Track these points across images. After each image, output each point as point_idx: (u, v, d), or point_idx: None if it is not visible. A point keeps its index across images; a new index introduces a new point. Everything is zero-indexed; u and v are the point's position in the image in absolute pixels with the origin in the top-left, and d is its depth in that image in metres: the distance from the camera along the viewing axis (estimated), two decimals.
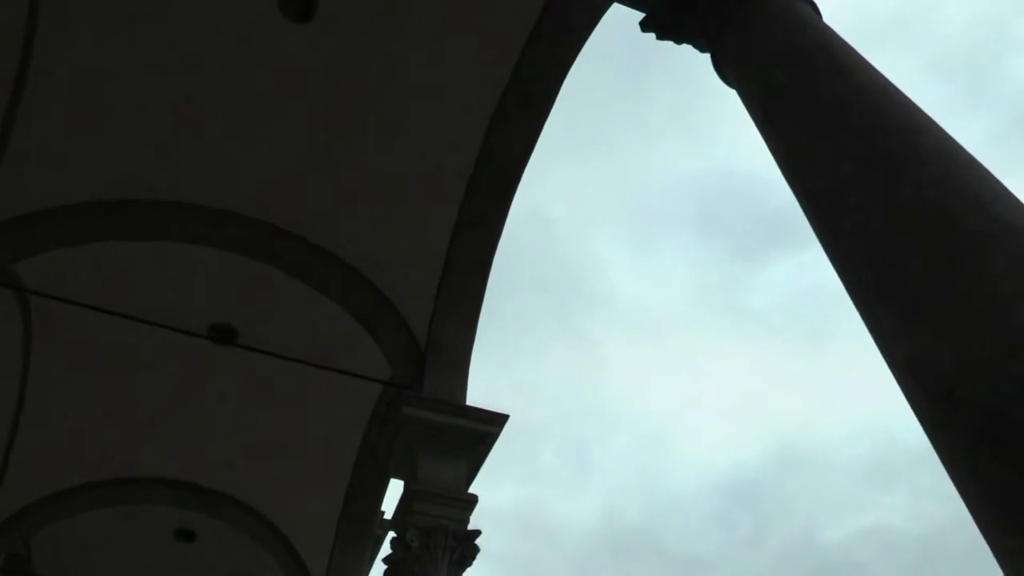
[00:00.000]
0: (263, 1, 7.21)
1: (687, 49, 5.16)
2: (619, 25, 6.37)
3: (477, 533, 7.44)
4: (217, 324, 9.52)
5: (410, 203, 8.49)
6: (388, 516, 10.28)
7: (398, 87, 7.81)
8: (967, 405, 2.59)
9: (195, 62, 7.56)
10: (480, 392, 8.89)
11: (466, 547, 7.39)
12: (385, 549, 7.70)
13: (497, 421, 7.86)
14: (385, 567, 7.67)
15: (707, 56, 4.85)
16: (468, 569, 7.46)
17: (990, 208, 2.90)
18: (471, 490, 7.72)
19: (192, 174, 8.30)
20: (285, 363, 9.04)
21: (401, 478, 7.86)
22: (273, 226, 8.67)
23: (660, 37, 5.21)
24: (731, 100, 4.72)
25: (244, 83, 7.72)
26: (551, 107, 7.80)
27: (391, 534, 7.67)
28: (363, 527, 11.31)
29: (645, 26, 5.31)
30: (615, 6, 6.14)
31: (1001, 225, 2.82)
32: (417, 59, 7.62)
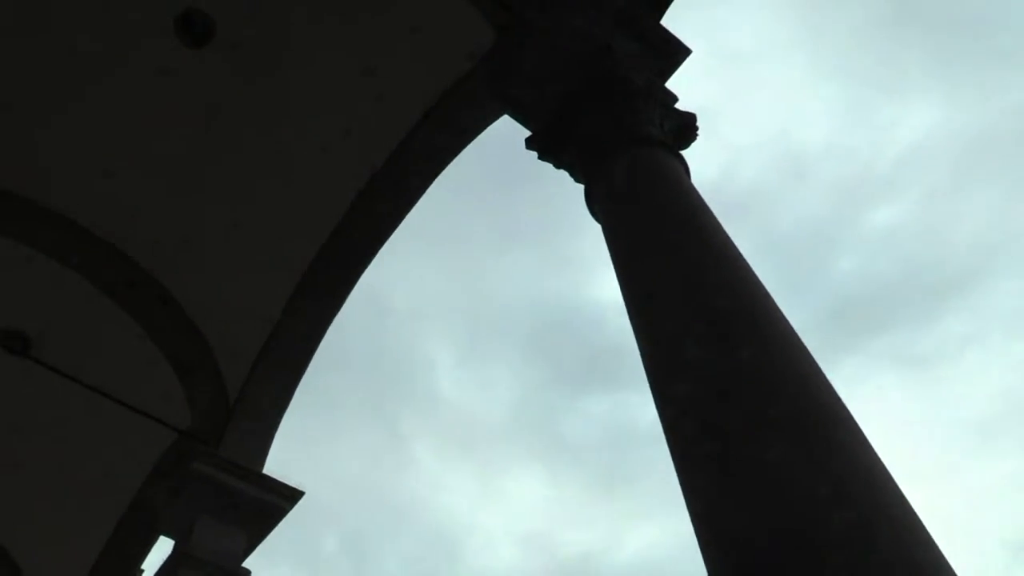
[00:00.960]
0: (160, 19, 7.00)
1: (564, 174, 5.41)
2: (505, 131, 6.57)
3: None
4: (9, 330, 8.74)
5: (257, 256, 8.25)
6: None
7: (276, 138, 7.69)
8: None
9: (76, 65, 7.18)
10: (275, 462, 8.52)
11: None
12: None
13: (291, 496, 7.52)
14: None
15: (581, 187, 5.09)
16: None
17: (810, 382, 3.15)
18: (245, 564, 7.27)
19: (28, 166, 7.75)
20: (74, 387, 8.37)
21: (172, 538, 7.30)
22: (102, 240, 8.16)
23: (541, 157, 5.45)
24: (593, 233, 4.97)
25: (123, 96, 7.38)
26: (412, 205, 7.85)
27: None
28: None
29: (529, 143, 5.53)
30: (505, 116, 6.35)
31: (817, 403, 3.06)
32: (299, 119, 7.57)
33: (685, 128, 5.27)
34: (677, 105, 5.42)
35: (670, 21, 6.65)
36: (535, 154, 5.48)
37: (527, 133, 5.61)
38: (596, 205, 4.81)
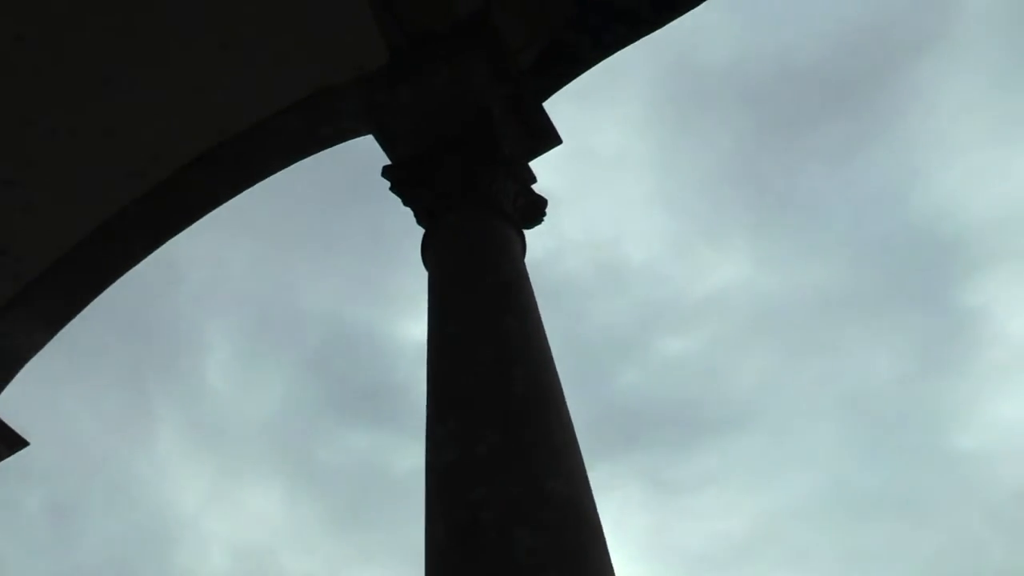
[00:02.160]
0: None
1: (409, 212, 5.46)
2: (371, 149, 6.50)
3: None
4: None
5: (70, 182, 7.64)
6: None
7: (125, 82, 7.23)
8: None
9: None
10: (7, 404, 7.81)
11: None
12: None
13: (13, 443, 6.89)
14: None
15: (421, 230, 5.16)
16: None
17: (574, 474, 3.32)
18: None
19: None
20: None
21: None
22: None
23: (393, 189, 5.47)
24: (419, 278, 5.02)
25: None
26: (249, 184, 7.59)
27: None
28: None
29: (386, 172, 5.55)
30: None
31: (573, 500, 3.22)
32: (153, 67, 7.17)
33: (535, 209, 5.48)
34: (534, 186, 5.64)
35: (549, 105, 6.96)
36: (387, 183, 5.51)
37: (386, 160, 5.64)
38: (429, 253, 4.89)
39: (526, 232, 5.52)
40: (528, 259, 5.04)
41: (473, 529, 3.16)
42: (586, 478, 3.50)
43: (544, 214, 5.56)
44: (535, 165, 6.15)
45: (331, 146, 7.37)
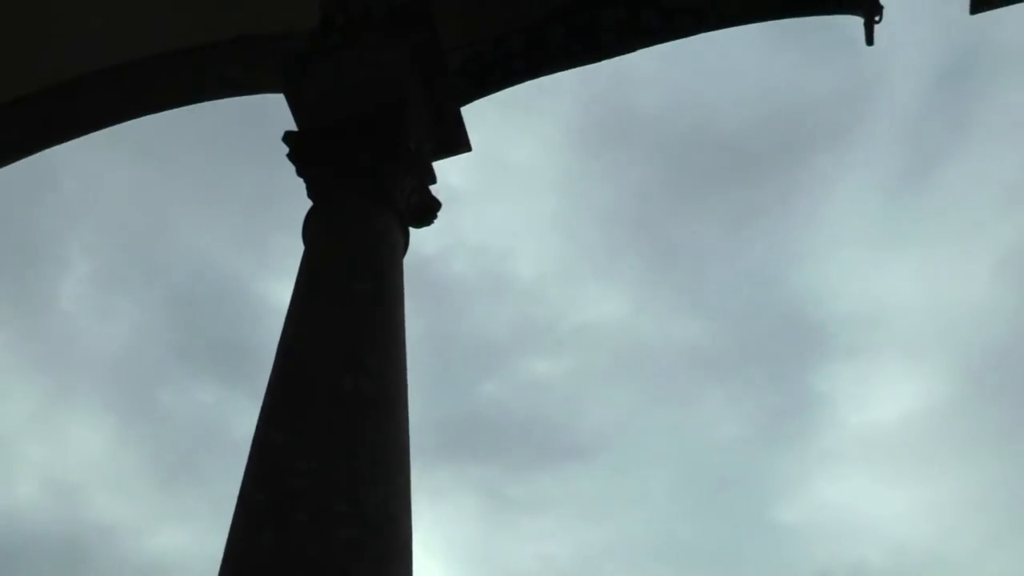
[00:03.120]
0: None
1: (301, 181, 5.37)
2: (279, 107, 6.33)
3: None
4: None
5: None
6: None
7: None
8: None
9: None
10: None
11: None
12: None
13: None
14: None
15: (308, 203, 5.10)
16: None
17: (394, 480, 3.35)
18: None
19: None
20: None
21: None
22: None
23: (290, 156, 5.37)
24: (298, 247, 4.94)
25: None
26: (146, 112, 7.30)
27: None
28: None
29: (287, 138, 5.44)
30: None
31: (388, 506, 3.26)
32: None
33: (427, 210, 5.49)
34: (432, 187, 5.66)
35: (472, 107, 6.99)
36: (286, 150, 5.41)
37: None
38: (309, 229, 4.83)
39: (415, 231, 5.54)
40: (420, 253, 5.06)
41: (286, 513, 3.15)
42: (407, 486, 3.53)
43: (435, 217, 5.58)
44: (440, 166, 6.17)
45: (241, 95, 7.18)
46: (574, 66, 6.77)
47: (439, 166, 6.22)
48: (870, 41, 7.30)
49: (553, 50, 6.64)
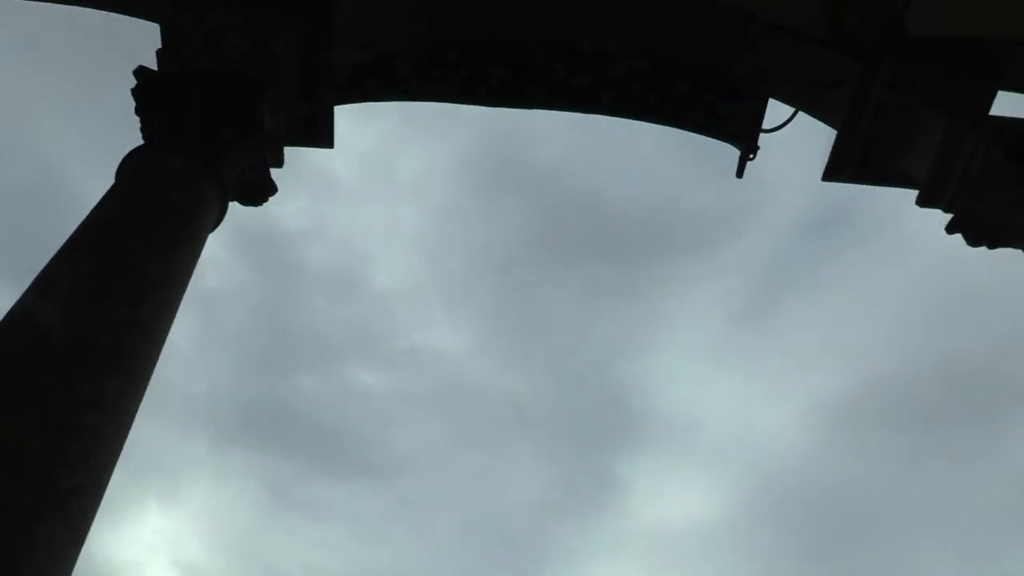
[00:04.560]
0: None
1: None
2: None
3: None
4: None
5: None
6: None
7: None
8: None
9: None
10: None
11: None
12: None
13: None
14: None
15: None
16: None
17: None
18: None
19: None
20: None
21: None
22: None
23: (134, 90, 5.06)
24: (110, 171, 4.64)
25: None
26: None
27: None
28: None
29: (138, 72, 5.11)
30: None
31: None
32: None
33: (259, 190, 5.30)
34: (274, 170, 5.46)
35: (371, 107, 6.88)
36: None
37: None
38: (125, 167, 4.56)
39: (246, 208, 5.34)
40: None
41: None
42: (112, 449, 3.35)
43: (266, 200, 5.39)
44: (328, 155, 6.00)
45: (119, 12, 6.78)
46: (455, 102, 6.78)
47: (326, 152, 6.08)
48: (740, 175, 7.65)
49: (435, 84, 6.63)
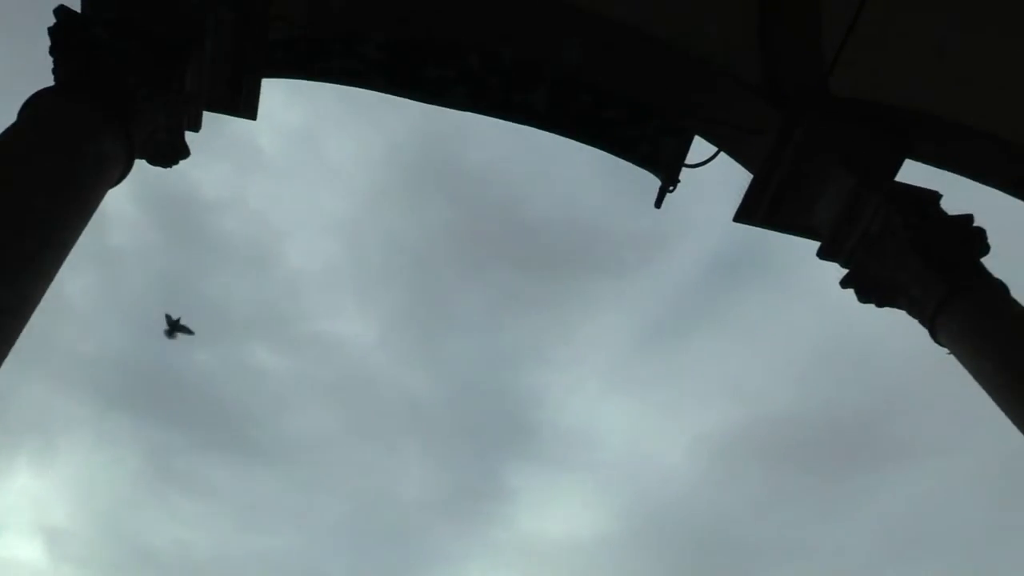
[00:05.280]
0: None
1: None
2: None
3: None
4: None
5: None
6: None
7: None
8: None
9: None
10: None
11: None
12: None
13: None
14: None
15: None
16: None
17: None
18: None
19: None
20: None
21: None
22: None
23: (52, 29, 4.84)
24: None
25: None
26: None
27: None
28: None
29: (58, 11, 4.90)
30: None
31: None
32: None
33: (170, 152, 5.16)
34: (190, 133, 5.32)
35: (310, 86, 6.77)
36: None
37: None
38: (29, 108, 4.35)
39: (157, 169, 5.18)
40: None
41: None
42: None
43: (176, 162, 5.24)
44: (253, 126, 5.87)
45: None
46: (385, 92, 6.72)
47: (254, 125, 5.94)
48: (658, 205, 7.78)
49: (367, 71, 6.56)
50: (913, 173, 6.36)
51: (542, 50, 6.64)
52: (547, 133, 7.46)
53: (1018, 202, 7.45)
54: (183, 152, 5.23)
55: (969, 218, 5.76)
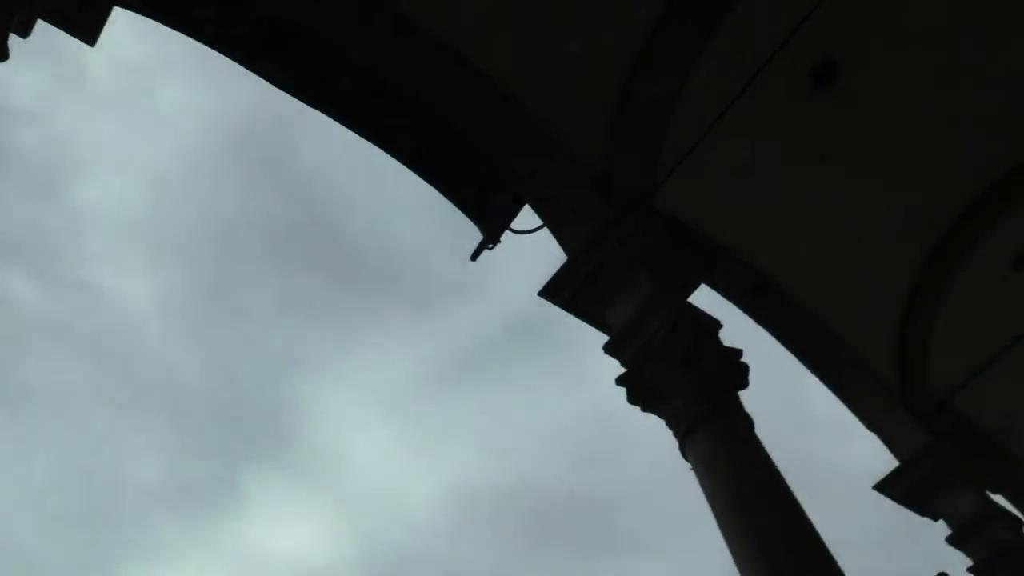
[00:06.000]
0: None
1: None
2: None
3: None
4: None
5: None
6: None
7: None
8: None
9: None
10: None
11: None
12: None
13: None
14: None
15: None
16: None
17: None
18: None
19: None
20: None
21: None
22: None
23: None
24: None
25: None
26: None
27: None
28: None
29: None
30: None
31: None
32: None
33: None
34: (21, 38, 4.91)
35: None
36: None
37: None
38: None
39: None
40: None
41: None
42: None
43: None
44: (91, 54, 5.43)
45: None
46: (240, 63, 6.46)
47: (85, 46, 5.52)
48: (474, 258, 7.87)
49: (227, 37, 6.30)
50: (704, 298, 6.90)
51: (399, 74, 6.61)
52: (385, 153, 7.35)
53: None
54: (3, 54, 4.77)
55: (739, 352, 6.29)
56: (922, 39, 7.10)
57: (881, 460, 9.02)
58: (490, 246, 7.65)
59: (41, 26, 5.23)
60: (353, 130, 6.88)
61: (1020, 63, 7.34)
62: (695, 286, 6.72)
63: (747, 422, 5.90)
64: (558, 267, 6.65)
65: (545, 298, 6.64)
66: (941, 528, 8.66)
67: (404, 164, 7.13)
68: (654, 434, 6.35)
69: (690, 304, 6.48)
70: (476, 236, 7.58)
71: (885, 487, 8.85)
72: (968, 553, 7.52)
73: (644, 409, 6.27)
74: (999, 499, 9.26)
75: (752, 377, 6.17)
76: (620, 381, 6.31)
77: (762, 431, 5.97)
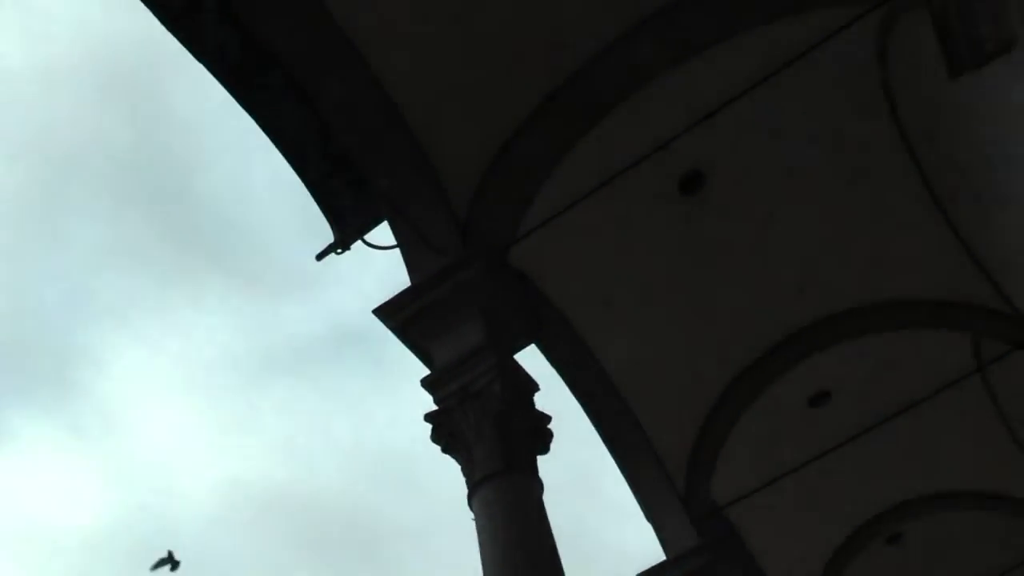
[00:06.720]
0: None
1: None
2: None
3: None
4: None
5: None
6: None
7: None
8: None
9: None
10: None
11: None
12: None
13: None
14: None
15: None
16: None
17: None
18: None
19: None
20: None
21: None
22: None
23: None
24: None
25: None
26: None
27: None
28: None
29: None
30: None
31: None
32: None
33: None
34: None
35: None
36: None
37: None
38: None
39: None
40: None
41: None
42: None
43: None
44: None
45: None
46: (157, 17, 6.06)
47: None
48: (320, 258, 7.67)
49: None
50: (530, 360, 7.03)
51: (297, 56, 6.39)
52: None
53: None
54: None
55: (548, 419, 6.45)
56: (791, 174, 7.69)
57: (656, 550, 9.42)
58: (339, 251, 7.49)
59: None
60: (231, 93, 6.57)
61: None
62: (524, 345, 6.85)
63: (538, 486, 6.02)
64: (399, 291, 6.62)
65: (378, 317, 6.58)
66: None
67: (274, 143, 6.89)
68: (453, 476, 6.37)
69: (515, 361, 6.58)
70: (329, 236, 7.41)
71: None
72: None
73: (444, 450, 6.29)
74: None
75: (556, 442, 6.35)
76: (428, 418, 6.31)
77: (553, 494, 6.12)
